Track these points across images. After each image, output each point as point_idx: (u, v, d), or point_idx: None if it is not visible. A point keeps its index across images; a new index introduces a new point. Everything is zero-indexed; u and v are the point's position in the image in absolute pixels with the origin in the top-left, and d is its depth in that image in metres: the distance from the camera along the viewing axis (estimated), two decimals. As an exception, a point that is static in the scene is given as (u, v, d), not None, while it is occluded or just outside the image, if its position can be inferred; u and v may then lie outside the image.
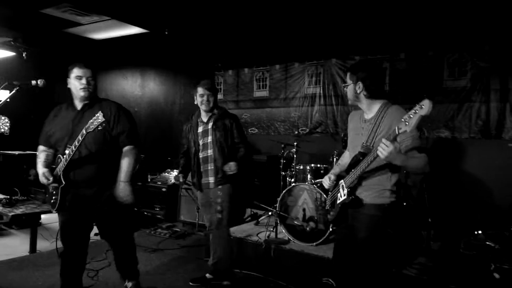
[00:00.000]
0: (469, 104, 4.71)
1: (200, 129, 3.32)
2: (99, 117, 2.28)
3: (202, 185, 3.31)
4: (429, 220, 3.93)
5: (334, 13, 4.66)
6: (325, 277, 3.21)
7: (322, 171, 4.40)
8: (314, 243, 3.74)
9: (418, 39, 4.98)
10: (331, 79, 5.85)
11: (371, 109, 2.26)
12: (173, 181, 3.17)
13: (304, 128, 6.09)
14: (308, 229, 3.78)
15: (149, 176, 5.58)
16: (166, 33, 5.32)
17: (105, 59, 6.42)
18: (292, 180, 4.56)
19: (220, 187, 3.24)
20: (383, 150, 1.92)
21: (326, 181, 2.52)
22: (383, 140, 1.93)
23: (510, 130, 4.51)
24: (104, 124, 2.34)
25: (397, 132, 1.87)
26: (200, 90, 3.22)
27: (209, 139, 3.25)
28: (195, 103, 3.31)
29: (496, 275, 3.41)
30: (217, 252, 3.33)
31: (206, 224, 3.56)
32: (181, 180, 3.41)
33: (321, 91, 5.95)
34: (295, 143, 4.70)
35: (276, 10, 4.61)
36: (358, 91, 2.26)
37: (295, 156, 4.65)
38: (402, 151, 2.10)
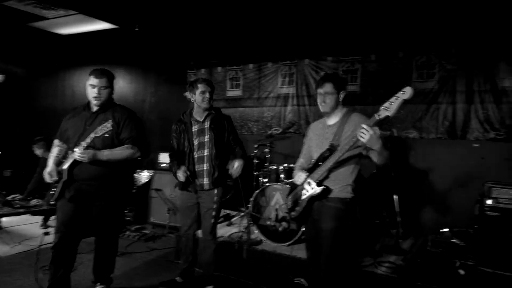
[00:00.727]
0: (437, 105, 4.87)
1: (195, 128, 3.17)
2: (107, 125, 2.57)
3: (197, 186, 3.15)
4: (399, 219, 4.03)
5: (307, 14, 4.69)
6: (297, 277, 3.22)
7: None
8: (287, 243, 3.76)
9: (389, 42, 5.11)
10: (304, 80, 5.90)
11: (336, 115, 2.53)
12: (182, 178, 2.99)
13: (277, 128, 6.12)
14: (280, 229, 3.79)
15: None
16: (136, 29, 5.19)
17: (72, 55, 6.18)
18: (265, 180, 4.56)
19: (215, 189, 3.13)
20: (364, 134, 2.10)
21: (301, 177, 2.56)
22: (363, 125, 2.12)
23: (475, 131, 4.69)
24: (110, 132, 2.63)
25: (377, 118, 2.12)
26: (201, 87, 3.09)
27: (206, 138, 3.12)
28: (191, 100, 3.16)
29: (461, 272, 3.54)
30: (203, 256, 3.22)
31: (181, 227, 3.35)
32: (188, 173, 3.13)
33: (294, 91, 5.99)
34: (268, 143, 4.70)
35: (250, 10, 4.59)
36: (340, 100, 2.52)
37: (268, 156, 4.65)
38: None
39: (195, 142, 3.14)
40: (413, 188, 4.90)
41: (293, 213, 2.59)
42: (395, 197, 4.17)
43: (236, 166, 3.05)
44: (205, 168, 3.11)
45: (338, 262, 2.45)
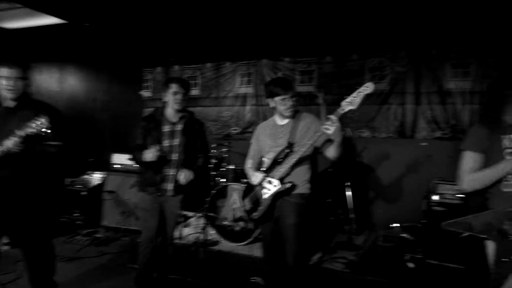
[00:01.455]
0: (388, 106, 5.09)
1: (165, 129, 3.01)
2: (38, 123, 2.30)
3: (161, 190, 3.01)
4: (352, 215, 4.16)
5: (265, 15, 4.73)
6: (254, 277, 3.24)
7: (253, 171, 4.44)
8: (244, 243, 3.76)
9: (344, 44, 5.26)
10: (262, 80, 5.92)
11: (286, 116, 2.63)
12: (152, 157, 2.77)
13: (236, 128, 6.12)
14: (237, 229, 3.80)
15: (67, 179, 5.16)
16: (87, 25, 4.97)
17: (18, 50, 5.82)
18: (223, 180, 4.54)
19: (179, 197, 3.03)
20: (330, 126, 2.24)
21: (259, 177, 2.60)
22: (330, 117, 2.28)
23: (422, 131, 4.96)
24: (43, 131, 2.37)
25: (341, 112, 2.30)
26: (174, 87, 2.95)
27: (176, 142, 2.98)
28: (164, 100, 3.02)
29: (410, 265, 3.72)
30: (160, 260, 3.12)
31: (143, 230, 3.14)
32: (159, 150, 2.89)
33: (253, 91, 6.02)
34: (226, 143, 4.69)
35: (208, 9, 4.55)
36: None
37: (225, 156, 4.63)
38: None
39: (165, 144, 3.00)
40: (366, 185, 5.10)
41: (255, 213, 2.62)
42: (348, 194, 4.31)
43: (183, 177, 2.94)
44: (171, 173, 3.00)
45: (304, 257, 2.56)
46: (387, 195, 5.02)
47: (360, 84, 5.16)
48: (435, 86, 4.86)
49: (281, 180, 2.53)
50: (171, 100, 2.98)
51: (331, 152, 2.52)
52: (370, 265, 3.65)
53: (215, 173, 4.75)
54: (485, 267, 1.99)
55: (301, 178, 2.61)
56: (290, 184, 2.51)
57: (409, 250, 4.04)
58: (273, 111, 2.74)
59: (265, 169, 2.65)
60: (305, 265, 2.62)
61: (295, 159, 2.48)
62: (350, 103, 2.33)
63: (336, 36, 5.14)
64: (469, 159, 2.01)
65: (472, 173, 1.99)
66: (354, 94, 2.33)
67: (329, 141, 2.48)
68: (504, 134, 1.89)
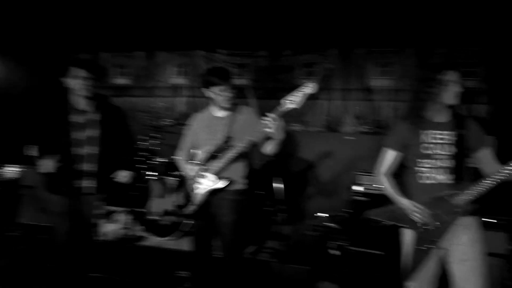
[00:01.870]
0: (318, 101, 5.29)
1: (75, 119, 2.69)
2: None
3: (74, 189, 2.69)
4: (282, 207, 4.27)
5: (201, 4, 4.65)
6: (182, 271, 3.19)
7: (185, 164, 4.36)
8: (172, 237, 3.69)
9: (278, 39, 5.33)
10: (197, 71, 5.83)
11: (224, 108, 2.56)
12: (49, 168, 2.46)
13: (169, 120, 5.95)
14: (166, 223, 3.71)
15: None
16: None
17: None
18: (153, 173, 4.40)
19: (97, 195, 2.78)
20: (272, 124, 2.24)
21: (194, 171, 2.52)
22: (271, 115, 2.26)
23: (348, 125, 5.23)
24: None
25: (281, 110, 2.25)
26: (74, 71, 2.67)
27: (90, 133, 2.69)
28: (69, 86, 2.70)
29: (335, 252, 3.93)
30: (79, 260, 2.89)
31: (57, 230, 2.85)
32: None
33: (187, 82, 5.88)
34: (157, 135, 4.54)
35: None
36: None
37: (156, 148, 4.49)
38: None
39: (76, 136, 2.69)
40: (297, 177, 5.26)
41: (188, 209, 2.52)
42: (279, 186, 4.41)
43: (122, 176, 2.81)
44: (86, 169, 2.70)
45: (239, 250, 2.55)
46: (317, 186, 5.23)
47: (293, 79, 5.43)
48: (359, 83, 5.15)
49: (218, 175, 2.45)
50: (75, 86, 2.68)
51: (269, 148, 2.50)
52: (296, 254, 3.78)
53: (144, 166, 4.58)
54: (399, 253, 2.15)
55: (238, 174, 2.55)
56: (228, 180, 2.44)
57: (335, 239, 4.26)
58: (209, 101, 2.63)
59: (200, 162, 2.53)
60: (239, 258, 2.59)
61: (233, 155, 2.41)
62: (293, 101, 2.26)
63: (270, 30, 5.21)
64: (388, 156, 2.13)
65: (386, 176, 2.13)
66: (297, 93, 2.26)
67: (268, 138, 2.44)
68: (423, 130, 1.99)
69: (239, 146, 2.41)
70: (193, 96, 5.86)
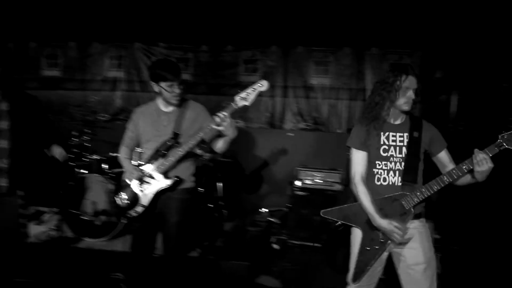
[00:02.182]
0: (260, 98, 5.31)
1: None
2: None
3: None
4: (222, 203, 4.22)
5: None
6: (115, 272, 3.01)
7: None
8: (106, 238, 3.48)
9: (219, 34, 5.28)
10: (134, 64, 5.59)
11: (172, 103, 2.42)
12: None
13: (104, 115, 5.62)
14: (99, 223, 3.49)
15: None
16: None
17: None
18: (85, 171, 4.11)
19: (15, 195, 2.47)
20: (223, 122, 2.19)
21: (137, 170, 2.35)
22: (222, 113, 2.21)
23: (290, 122, 5.34)
24: None
25: (234, 107, 2.24)
26: None
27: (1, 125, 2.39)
28: None
29: (275, 246, 3.96)
30: None
31: None
32: None
33: (124, 76, 5.61)
34: (89, 131, 4.26)
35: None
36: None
37: (88, 145, 4.21)
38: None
39: None
40: (239, 173, 5.25)
41: (133, 211, 2.33)
42: (219, 184, 4.36)
43: (57, 152, 2.57)
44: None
45: (183, 252, 2.46)
46: (260, 182, 5.26)
47: (235, 75, 5.40)
48: (300, 81, 5.27)
49: (165, 174, 2.33)
50: None
51: (219, 146, 2.46)
52: (236, 250, 3.75)
53: (75, 163, 4.27)
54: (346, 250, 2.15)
55: (186, 172, 2.45)
56: (176, 179, 2.34)
57: (275, 233, 4.30)
58: (155, 96, 2.46)
59: (145, 160, 2.39)
60: (183, 257, 2.48)
61: (182, 152, 2.31)
62: (245, 99, 2.26)
63: (212, 25, 5.13)
64: (358, 157, 2.05)
65: (364, 184, 2.01)
66: (249, 91, 2.26)
67: (218, 135, 2.40)
68: (382, 131, 1.99)
69: (189, 143, 2.31)
70: (130, 90, 5.60)
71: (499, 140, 1.76)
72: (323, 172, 4.17)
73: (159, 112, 2.46)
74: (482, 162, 1.75)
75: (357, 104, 5.16)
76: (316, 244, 3.93)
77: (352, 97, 5.18)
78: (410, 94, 1.92)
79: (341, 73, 5.18)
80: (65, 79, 5.70)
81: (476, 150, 1.78)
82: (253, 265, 3.39)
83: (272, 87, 5.32)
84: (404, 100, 1.93)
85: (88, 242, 3.48)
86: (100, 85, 5.66)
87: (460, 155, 3.34)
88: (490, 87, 3.22)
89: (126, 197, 2.35)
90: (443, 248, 3.27)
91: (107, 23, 5.33)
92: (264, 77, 5.29)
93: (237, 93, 2.31)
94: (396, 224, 1.88)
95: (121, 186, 2.41)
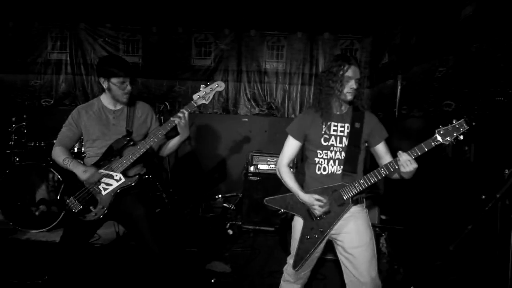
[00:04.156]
0: (213, 80, 5.19)
1: None
2: None
3: None
4: (171, 190, 4.12)
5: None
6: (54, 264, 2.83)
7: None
8: (46, 228, 3.27)
9: (169, 16, 5.05)
10: (80, 45, 5.25)
11: (122, 102, 2.35)
12: None
13: (48, 100, 5.28)
14: (37, 213, 3.26)
15: None
16: None
17: None
18: (26, 160, 3.83)
19: None
20: (183, 119, 2.20)
21: (90, 171, 2.18)
22: (183, 111, 2.21)
23: (244, 107, 5.26)
24: None
25: (195, 105, 2.25)
26: None
27: None
28: None
29: (230, 232, 3.93)
30: None
31: None
32: None
33: (68, 58, 5.26)
34: (24, 116, 3.96)
35: None
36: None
37: (25, 131, 3.91)
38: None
39: None
40: (194, 159, 5.14)
41: (91, 214, 2.16)
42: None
43: None
44: None
45: (162, 242, 2.34)
46: (215, 168, 5.18)
47: (187, 58, 5.22)
48: (254, 65, 5.19)
49: (124, 172, 2.25)
50: None
51: (169, 147, 2.43)
52: (191, 236, 3.69)
53: (14, 151, 3.96)
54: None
55: (142, 167, 2.42)
56: (137, 176, 2.27)
57: (230, 219, 4.28)
58: (103, 92, 2.32)
59: (99, 160, 2.26)
60: (166, 248, 2.38)
61: (143, 150, 2.23)
62: (203, 98, 2.27)
63: (162, 6, 4.89)
64: (291, 144, 2.09)
65: (287, 167, 2.08)
66: (207, 90, 2.29)
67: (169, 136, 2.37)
68: (325, 121, 1.99)
69: (149, 141, 2.25)
70: (76, 74, 5.27)
71: (436, 135, 1.77)
72: (277, 157, 4.15)
73: (105, 110, 2.35)
74: (406, 163, 1.77)
75: (310, 89, 5.18)
76: (269, 228, 3.95)
77: (305, 82, 5.18)
78: (352, 84, 1.91)
79: (294, 58, 5.17)
80: (4, 61, 5.24)
81: (399, 153, 1.80)
82: (203, 251, 3.35)
83: (225, 71, 5.22)
84: (347, 90, 1.93)
85: (28, 233, 3.25)
86: (42, 68, 5.27)
87: (404, 139, 3.45)
88: (429, 72, 3.32)
89: (82, 200, 2.18)
90: (389, 228, 3.41)
91: (49, 2, 4.92)
92: (218, 61, 5.21)
93: (195, 91, 2.32)
94: (317, 197, 1.93)
95: (73, 188, 2.23)
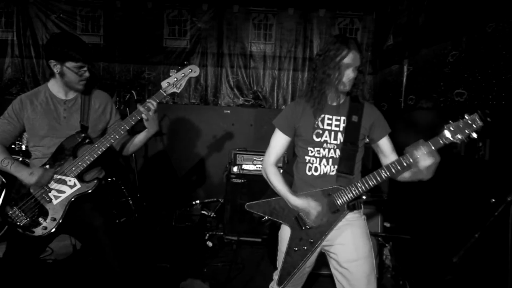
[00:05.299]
0: (187, 63, 5.16)
1: None
2: None
3: None
4: (138, 195, 4.10)
5: None
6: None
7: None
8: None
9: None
10: (29, 23, 5.18)
11: (76, 89, 2.30)
12: None
13: (-9, 87, 5.21)
14: (-23, 224, 3.21)
15: None
16: None
17: None
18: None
19: None
20: (150, 113, 2.17)
21: (38, 173, 2.13)
22: (151, 101, 2.17)
23: (226, 97, 5.26)
24: None
25: (164, 94, 2.22)
26: None
27: None
28: None
29: (209, 243, 3.93)
30: None
31: None
32: None
33: (15, 38, 5.19)
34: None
35: None
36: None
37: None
38: None
39: None
40: (165, 158, 5.12)
41: (46, 225, 2.12)
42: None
43: None
44: None
45: (121, 255, 2.33)
46: (190, 169, 5.17)
47: (158, 39, 5.19)
48: (238, 47, 5.19)
49: (79, 177, 2.20)
50: None
51: (134, 143, 2.41)
52: (162, 249, 3.68)
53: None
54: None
55: (101, 170, 2.39)
56: (95, 181, 2.23)
57: (209, 228, 4.27)
58: (52, 78, 2.23)
59: (47, 162, 2.19)
60: (130, 264, 2.36)
61: (101, 149, 2.18)
62: (174, 85, 2.25)
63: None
64: (279, 140, 2.09)
65: (274, 167, 2.07)
66: (178, 75, 2.25)
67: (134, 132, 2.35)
68: (320, 114, 1.99)
69: (109, 138, 2.20)
70: (24, 57, 5.20)
71: (444, 132, 1.76)
72: (264, 155, 4.15)
73: (54, 100, 2.26)
74: (425, 156, 1.76)
75: (304, 76, 5.20)
76: (255, 239, 3.96)
77: (297, 67, 5.20)
78: (349, 72, 1.91)
79: (285, 39, 5.17)
80: None
81: (417, 143, 1.79)
82: (177, 267, 3.35)
83: (204, 54, 5.20)
84: (344, 78, 1.92)
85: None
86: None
87: (411, 134, 3.49)
88: (439, 56, 3.34)
89: (28, 211, 2.14)
90: (394, 238, 3.45)
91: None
92: (194, 42, 5.18)
93: (164, 77, 2.32)
94: (314, 201, 1.92)
95: (17, 196, 2.16)
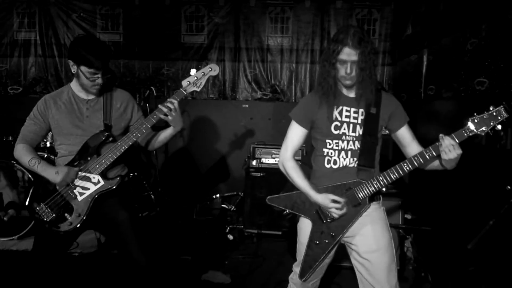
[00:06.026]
0: (207, 62, 5.20)
1: None
2: None
3: None
4: (160, 190, 4.17)
5: None
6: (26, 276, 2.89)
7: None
8: (16, 236, 3.35)
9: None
10: (51, 23, 5.30)
11: (91, 92, 2.34)
12: None
13: (16, 87, 5.35)
14: (6, 218, 3.34)
15: None
16: None
17: None
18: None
19: None
20: (173, 112, 2.21)
21: (63, 172, 2.18)
22: (172, 100, 2.21)
23: (244, 91, 5.27)
24: None
25: (185, 93, 2.27)
26: None
27: None
28: None
29: (230, 237, 3.97)
30: None
31: None
32: None
33: (38, 38, 5.31)
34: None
35: None
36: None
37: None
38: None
39: None
40: (185, 153, 5.18)
41: (66, 224, 2.20)
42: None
43: None
44: None
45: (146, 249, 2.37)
46: (210, 163, 5.21)
47: (176, 35, 5.23)
48: (255, 41, 5.19)
49: (103, 174, 2.26)
50: None
51: (159, 140, 2.46)
52: (184, 242, 3.74)
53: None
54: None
55: (124, 167, 2.43)
56: (118, 178, 2.28)
57: (230, 222, 4.30)
58: (73, 78, 2.29)
59: (73, 160, 2.25)
60: (154, 257, 2.44)
61: (124, 147, 2.24)
62: (194, 84, 2.29)
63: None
64: (296, 132, 2.07)
65: (293, 161, 2.04)
66: (198, 74, 2.29)
67: (165, 125, 2.38)
68: (337, 105, 1.97)
69: (131, 137, 2.26)
70: (47, 56, 5.32)
71: (469, 124, 1.75)
72: (281, 149, 4.17)
73: (77, 99, 2.33)
74: (449, 149, 1.75)
75: (322, 68, 5.16)
76: (275, 232, 3.98)
77: (315, 60, 5.17)
78: (346, 68, 1.88)
79: (302, 32, 5.15)
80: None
81: (441, 136, 1.77)
82: (199, 259, 3.40)
83: (221, 49, 5.22)
84: (338, 75, 1.92)
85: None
86: (8, 50, 5.33)
87: (432, 124, 3.44)
88: (459, 44, 3.28)
89: (54, 207, 2.21)
90: (415, 229, 3.42)
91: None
92: (212, 37, 5.21)
93: (186, 74, 2.36)
94: (332, 197, 1.91)
95: (44, 193, 2.24)
